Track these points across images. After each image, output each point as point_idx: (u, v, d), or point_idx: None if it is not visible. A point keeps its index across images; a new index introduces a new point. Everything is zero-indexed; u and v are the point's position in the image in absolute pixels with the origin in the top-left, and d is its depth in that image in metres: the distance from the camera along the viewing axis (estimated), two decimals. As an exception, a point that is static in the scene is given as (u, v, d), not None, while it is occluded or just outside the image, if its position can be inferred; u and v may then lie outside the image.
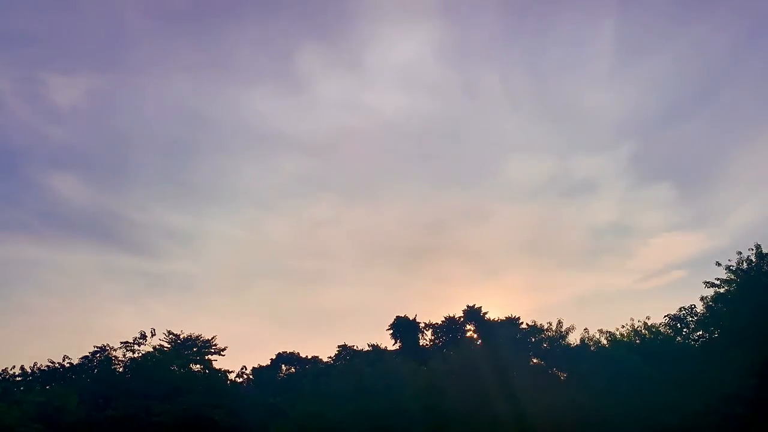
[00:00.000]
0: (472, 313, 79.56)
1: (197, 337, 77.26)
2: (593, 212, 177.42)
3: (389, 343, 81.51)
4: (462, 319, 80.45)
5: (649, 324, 56.31)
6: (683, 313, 54.37)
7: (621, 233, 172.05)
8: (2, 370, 70.48)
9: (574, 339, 61.18)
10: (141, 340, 66.77)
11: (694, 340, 53.81)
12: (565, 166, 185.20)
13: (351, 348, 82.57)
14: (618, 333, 57.54)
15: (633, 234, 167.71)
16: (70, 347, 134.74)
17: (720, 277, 50.16)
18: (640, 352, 51.72)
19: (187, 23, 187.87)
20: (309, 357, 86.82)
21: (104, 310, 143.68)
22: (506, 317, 74.45)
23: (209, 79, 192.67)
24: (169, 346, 72.45)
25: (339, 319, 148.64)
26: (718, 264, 50.05)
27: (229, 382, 71.77)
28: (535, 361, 63.09)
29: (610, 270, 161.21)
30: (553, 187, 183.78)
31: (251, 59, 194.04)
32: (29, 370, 71.81)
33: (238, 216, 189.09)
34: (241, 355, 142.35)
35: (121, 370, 64.21)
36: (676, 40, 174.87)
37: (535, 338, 64.89)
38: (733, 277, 49.44)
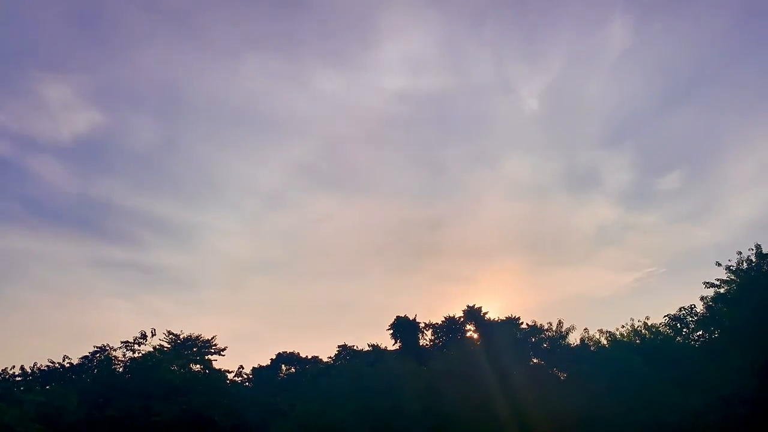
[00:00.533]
0: (472, 313, 79.46)
1: (197, 337, 77.50)
2: (595, 207, 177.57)
3: (389, 343, 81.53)
4: (462, 319, 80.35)
5: (649, 324, 56.42)
6: (683, 313, 54.38)
7: (623, 228, 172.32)
8: (2, 370, 70.61)
9: (574, 339, 61.42)
10: (141, 340, 67.00)
11: (694, 340, 53.77)
12: (566, 160, 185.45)
13: (351, 348, 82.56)
14: (618, 333, 57.65)
15: (635, 229, 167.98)
16: (65, 342, 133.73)
17: (720, 277, 50.19)
18: (640, 352, 51.71)
19: (176, 6, 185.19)
20: (309, 357, 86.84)
21: (98, 305, 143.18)
22: (506, 317, 74.37)
23: (204, 68, 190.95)
24: (169, 346, 72.63)
25: (338, 315, 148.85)
26: (718, 264, 50.05)
27: (228, 382, 71.74)
28: (535, 361, 63.10)
29: (612, 266, 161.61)
30: (554, 181, 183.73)
31: (252, 51, 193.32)
32: (29, 370, 71.99)
33: (235, 210, 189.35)
34: (238, 351, 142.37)
35: (121, 370, 64.24)
36: (676, 30, 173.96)
37: (535, 338, 64.95)
38: (733, 277, 49.36)
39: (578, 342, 60.39)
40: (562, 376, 59.32)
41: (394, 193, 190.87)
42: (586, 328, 60.65)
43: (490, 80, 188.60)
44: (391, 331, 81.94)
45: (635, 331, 56.45)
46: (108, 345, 68.14)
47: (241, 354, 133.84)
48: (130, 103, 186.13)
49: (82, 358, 71.71)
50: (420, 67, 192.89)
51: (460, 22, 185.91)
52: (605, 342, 58.30)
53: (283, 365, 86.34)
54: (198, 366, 72.32)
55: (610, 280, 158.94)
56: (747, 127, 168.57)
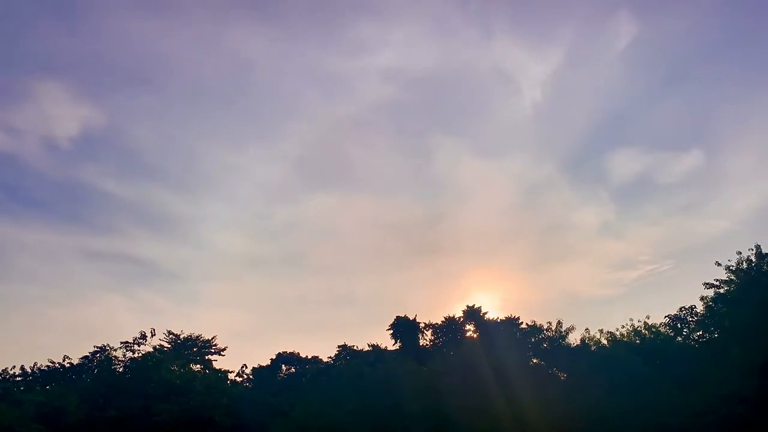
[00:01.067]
0: (472, 313, 79.48)
1: (197, 337, 77.83)
2: (598, 200, 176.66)
3: (389, 343, 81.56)
4: (462, 319, 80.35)
5: (649, 324, 56.43)
6: (683, 313, 54.39)
7: (626, 222, 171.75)
8: (2, 370, 70.76)
9: (574, 339, 61.27)
10: (141, 340, 67.05)
11: (694, 340, 53.77)
12: (568, 153, 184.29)
13: (351, 348, 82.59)
14: (618, 333, 57.65)
15: (639, 222, 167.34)
16: (56, 336, 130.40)
17: (720, 277, 50.24)
18: (640, 352, 51.72)
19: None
20: (309, 357, 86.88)
21: (91, 299, 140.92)
22: (506, 317, 74.37)
23: (190, 49, 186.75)
24: (169, 346, 72.88)
25: (338, 313, 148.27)
26: (718, 264, 50.11)
27: (229, 382, 71.82)
28: (535, 361, 62.99)
29: (616, 261, 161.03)
30: (555, 173, 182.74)
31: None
32: (29, 370, 72.13)
33: (230, 203, 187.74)
34: (235, 347, 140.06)
35: (121, 370, 64.24)
36: (683, 21, 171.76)
37: (535, 338, 64.83)
38: (733, 277, 49.42)
39: (578, 342, 60.38)
40: (562, 376, 59.27)
41: (392, 187, 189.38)
42: (586, 328, 60.69)
43: (490, 70, 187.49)
44: (391, 331, 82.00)
45: (635, 331, 56.46)
46: (108, 345, 68.30)
47: (238, 350, 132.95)
48: (119, 93, 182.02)
49: (82, 358, 71.94)
50: (417, 54, 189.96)
51: (461, 12, 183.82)
52: (605, 342, 58.32)
53: (283, 365, 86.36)
54: (198, 366, 72.49)
55: (613, 276, 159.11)
56: (752, 115, 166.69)
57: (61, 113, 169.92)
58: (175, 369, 63.99)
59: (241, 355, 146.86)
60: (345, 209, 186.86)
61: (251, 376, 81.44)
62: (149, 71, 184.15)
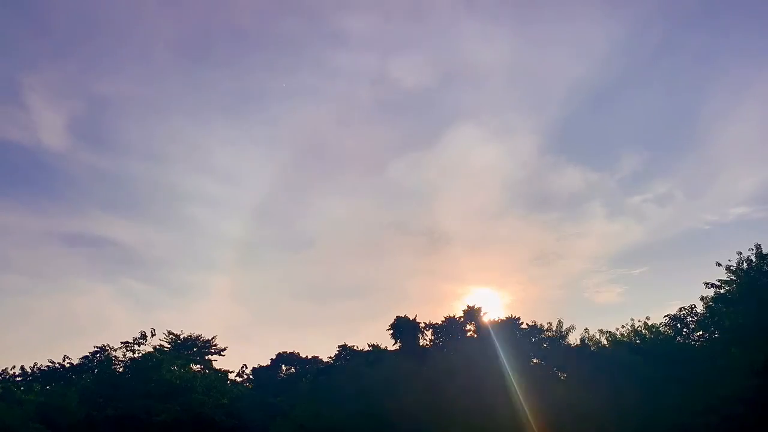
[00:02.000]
0: (472, 313, 79.43)
1: (197, 337, 78.01)
2: (600, 193, 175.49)
3: (389, 343, 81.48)
4: (462, 319, 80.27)
5: (649, 324, 56.42)
6: (683, 313, 54.34)
7: (625, 217, 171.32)
8: (2, 370, 70.87)
9: (574, 339, 61.27)
10: (141, 340, 67.09)
11: (694, 340, 53.73)
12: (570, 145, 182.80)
13: (351, 348, 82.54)
14: (618, 333, 57.65)
15: (637, 217, 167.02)
16: (41, 330, 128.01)
17: (720, 277, 50.25)
18: (640, 352, 51.73)
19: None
20: (309, 357, 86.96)
21: (75, 288, 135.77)
22: (506, 317, 74.23)
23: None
24: (169, 346, 72.92)
25: (337, 310, 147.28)
26: (719, 264, 50.12)
27: (229, 382, 71.90)
28: (535, 361, 63.01)
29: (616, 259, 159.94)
30: (555, 167, 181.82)
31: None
32: (29, 370, 72.21)
33: (227, 191, 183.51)
34: (228, 341, 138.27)
35: (121, 370, 64.33)
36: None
37: (535, 338, 64.82)
38: (733, 277, 49.44)
39: (578, 342, 60.40)
40: (562, 375, 59.31)
41: (390, 180, 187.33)
42: (586, 328, 60.62)
43: (492, 58, 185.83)
44: (391, 331, 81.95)
45: (635, 331, 56.45)
46: (108, 345, 68.37)
47: (233, 342, 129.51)
48: (94, 69, 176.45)
49: (82, 358, 72.00)
50: (418, 37, 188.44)
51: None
52: (605, 342, 58.34)
53: (283, 365, 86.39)
54: (198, 366, 72.62)
55: (615, 273, 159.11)
56: (737, 104, 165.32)
57: (37, 97, 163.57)
58: (175, 369, 64.05)
59: (238, 350, 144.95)
60: (342, 202, 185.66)
61: (251, 376, 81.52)
62: (120, 38, 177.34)
